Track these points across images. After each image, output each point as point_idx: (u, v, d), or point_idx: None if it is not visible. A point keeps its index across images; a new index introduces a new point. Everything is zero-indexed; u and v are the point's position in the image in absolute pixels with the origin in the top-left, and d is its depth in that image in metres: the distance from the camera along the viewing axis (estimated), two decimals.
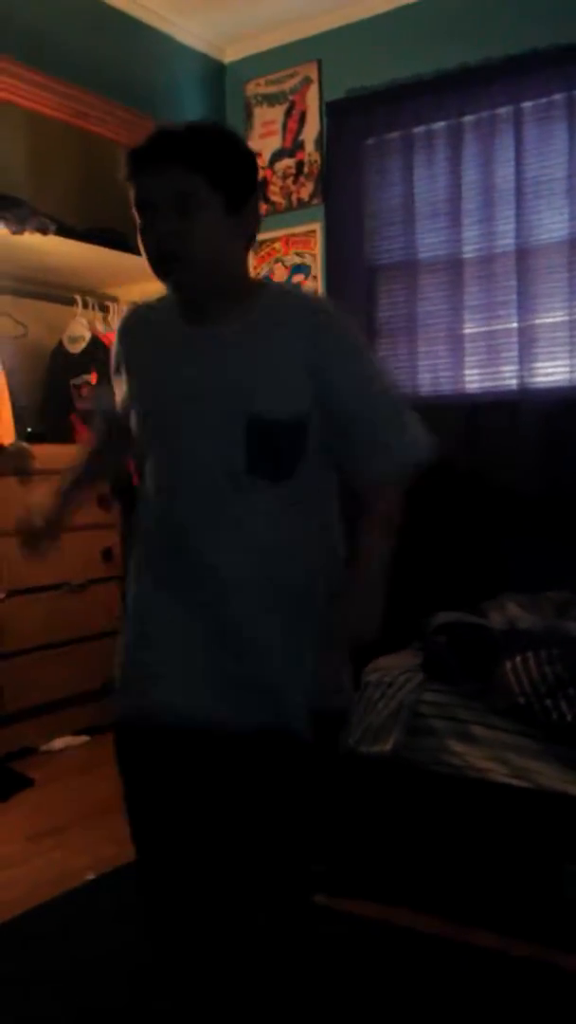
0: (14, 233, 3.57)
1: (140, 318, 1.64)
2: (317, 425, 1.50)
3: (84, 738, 3.86)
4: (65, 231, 3.86)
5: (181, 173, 1.40)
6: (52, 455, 3.80)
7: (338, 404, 1.50)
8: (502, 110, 3.33)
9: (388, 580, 1.55)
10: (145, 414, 1.58)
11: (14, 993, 2.08)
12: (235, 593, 1.52)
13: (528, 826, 2.23)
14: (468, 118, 3.39)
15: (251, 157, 1.52)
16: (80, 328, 4.18)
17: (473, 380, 3.44)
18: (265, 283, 1.63)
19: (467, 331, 3.44)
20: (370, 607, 1.54)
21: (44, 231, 3.68)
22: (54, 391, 4.24)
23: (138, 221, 1.48)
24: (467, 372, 3.44)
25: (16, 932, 2.34)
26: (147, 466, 1.61)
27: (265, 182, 3.94)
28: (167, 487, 1.56)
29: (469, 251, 3.41)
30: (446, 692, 2.44)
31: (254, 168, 1.52)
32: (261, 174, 3.95)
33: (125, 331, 1.65)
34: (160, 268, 1.46)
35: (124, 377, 1.62)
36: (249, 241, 1.52)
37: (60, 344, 4.24)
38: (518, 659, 2.38)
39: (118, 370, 1.65)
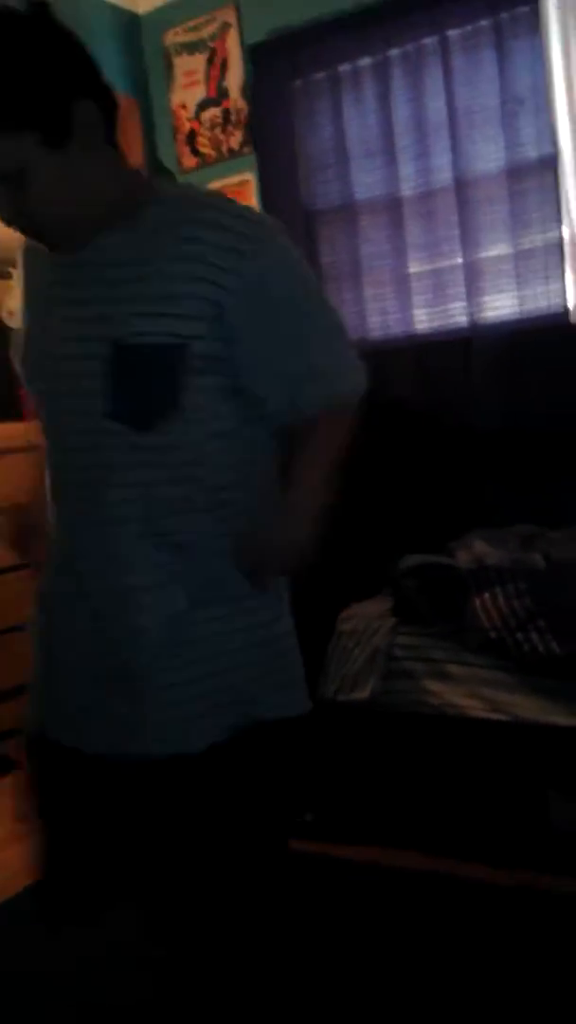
0: None
1: (27, 256, 1.43)
2: (217, 353, 1.25)
3: None
4: None
5: None
6: (3, 433, 3.73)
7: (262, 323, 1.26)
8: (428, 40, 3.24)
9: (320, 520, 1.36)
10: (25, 374, 1.42)
11: (13, 973, 2.07)
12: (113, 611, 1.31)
13: (510, 758, 2.25)
14: (394, 52, 3.31)
15: (58, 58, 1.19)
16: (18, 301, 4.09)
17: (422, 320, 3.40)
18: (159, 190, 1.31)
19: (412, 271, 3.39)
20: (293, 535, 1.34)
21: None
22: None
23: None
24: (416, 312, 3.40)
25: (11, 914, 2.34)
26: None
27: (193, 133, 3.85)
28: (49, 462, 1.38)
29: (407, 188, 3.35)
30: (419, 634, 2.45)
31: (67, 70, 1.19)
32: (187, 126, 3.85)
33: (20, 273, 1.47)
34: (17, 230, 1.29)
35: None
36: (107, 152, 1.26)
37: None
38: (487, 595, 2.39)
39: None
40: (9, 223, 1.26)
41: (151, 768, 1.31)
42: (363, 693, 2.42)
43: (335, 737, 2.49)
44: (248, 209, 1.33)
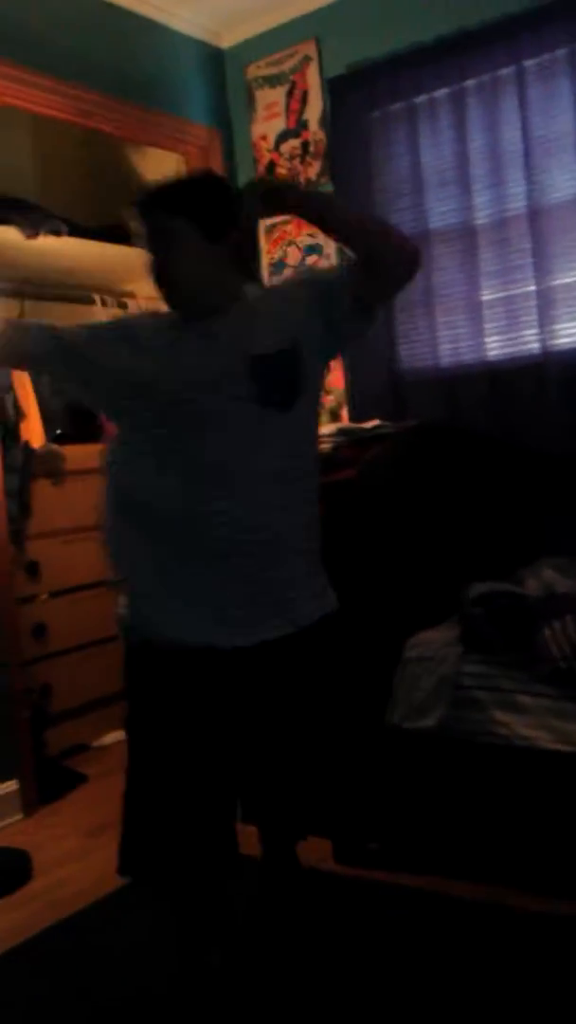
0: (28, 237, 3.60)
1: (128, 323, 2.04)
2: (314, 351, 1.81)
3: None
4: (78, 231, 3.88)
5: (164, 216, 1.82)
6: (82, 455, 3.84)
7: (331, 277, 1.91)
8: (504, 71, 3.27)
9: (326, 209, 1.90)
10: (154, 402, 1.81)
11: (74, 987, 2.12)
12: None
13: None
14: (470, 82, 3.34)
15: (230, 196, 1.87)
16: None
17: (494, 347, 3.40)
18: (253, 286, 1.96)
19: (485, 298, 3.39)
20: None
21: (57, 233, 3.71)
22: None
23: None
24: (488, 339, 3.40)
25: (76, 927, 2.39)
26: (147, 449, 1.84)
27: (272, 165, 3.93)
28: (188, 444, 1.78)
29: (481, 217, 3.36)
30: (487, 663, 2.43)
31: (233, 205, 1.84)
32: (267, 157, 3.94)
33: (113, 329, 2.03)
34: (159, 291, 1.86)
35: (94, 366, 1.90)
36: (240, 261, 1.87)
37: None
38: (557, 625, 2.37)
39: (87, 360, 1.90)
40: (154, 277, 1.87)
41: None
42: (430, 721, 2.42)
43: (400, 765, 2.49)
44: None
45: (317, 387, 1.90)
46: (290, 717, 1.86)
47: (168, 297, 1.87)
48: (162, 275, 1.84)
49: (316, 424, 1.95)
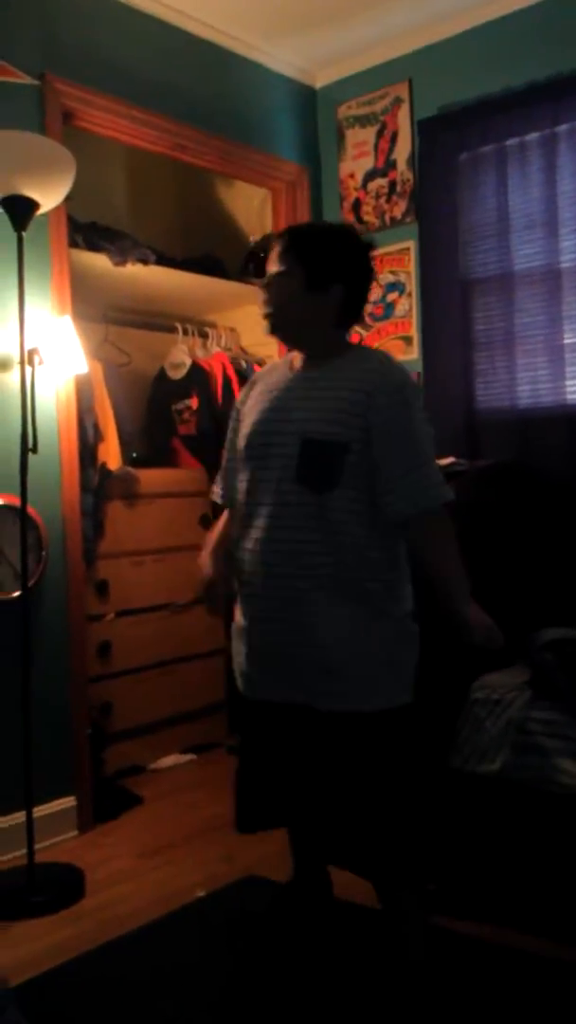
0: (117, 264, 3.69)
1: (266, 370, 2.19)
2: (357, 459, 1.91)
3: (191, 756, 3.92)
4: (165, 261, 3.97)
5: (285, 254, 2.00)
6: (156, 479, 3.90)
7: (380, 449, 1.91)
8: None
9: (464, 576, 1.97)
10: (245, 444, 2.07)
11: (127, 1008, 2.11)
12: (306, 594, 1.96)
13: None
14: (562, 127, 3.35)
15: (350, 253, 2.02)
16: (181, 355, 4.28)
17: (573, 390, 3.37)
18: (354, 347, 2.10)
19: (567, 341, 3.38)
20: (482, 619, 1.97)
21: (145, 261, 3.79)
22: (156, 417, 4.35)
23: None
24: (568, 383, 3.38)
25: (129, 947, 2.39)
26: (241, 487, 2.09)
27: (358, 203, 3.97)
28: (254, 501, 2.02)
29: (566, 260, 3.35)
30: (555, 709, 2.39)
31: (348, 261, 2.01)
32: (354, 195, 3.98)
33: (253, 381, 2.19)
34: (265, 318, 2.06)
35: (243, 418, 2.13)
36: (341, 317, 2.02)
37: (162, 371, 4.35)
38: None
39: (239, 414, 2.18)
40: (268, 311, 2.05)
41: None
42: (493, 765, 2.38)
43: (462, 808, 2.45)
44: (396, 368, 2.01)
45: (358, 483, 1.94)
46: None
47: (270, 330, 2.09)
48: (265, 308, 2.05)
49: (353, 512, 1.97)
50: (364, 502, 1.93)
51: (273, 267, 2.01)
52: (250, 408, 2.10)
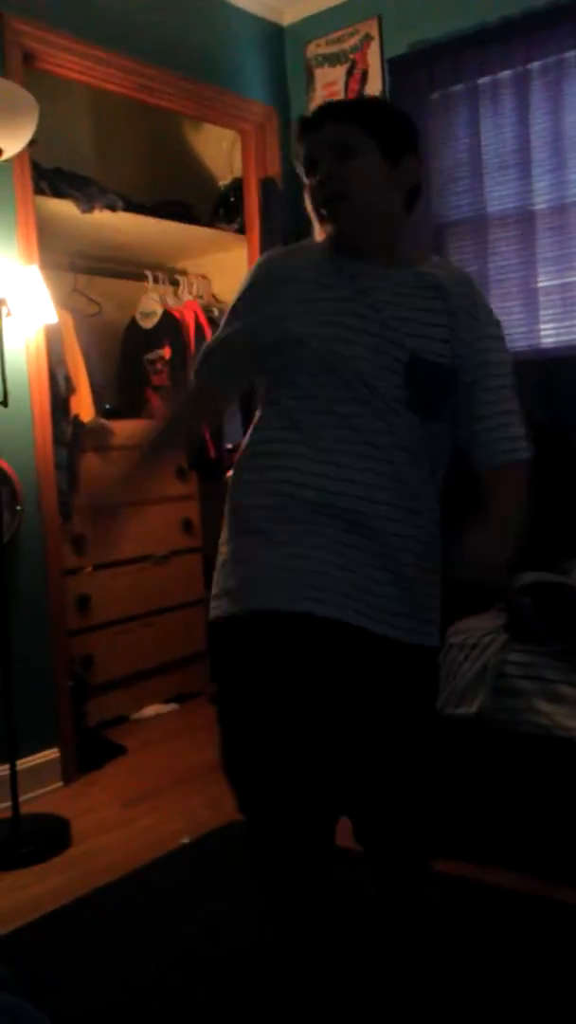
0: (84, 211, 3.61)
1: (281, 260, 1.72)
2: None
3: (173, 706, 3.96)
4: (133, 207, 3.89)
5: (338, 126, 1.60)
6: (130, 430, 3.86)
7: (474, 387, 1.64)
8: (570, 54, 3.21)
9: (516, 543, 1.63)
10: (297, 341, 1.60)
11: (113, 956, 2.15)
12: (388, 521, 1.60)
13: None
14: (535, 65, 3.29)
15: (408, 119, 1.70)
16: (152, 303, 4.22)
17: (549, 335, 3.36)
18: (423, 253, 1.74)
19: (541, 284, 3.36)
20: (497, 554, 1.59)
21: (113, 208, 3.72)
22: (129, 367, 4.30)
23: (304, 181, 1.64)
24: (543, 327, 3.37)
25: (115, 895, 2.42)
26: (280, 394, 1.63)
27: None
28: (324, 410, 1.58)
29: (540, 202, 3.32)
30: (531, 652, 2.42)
31: (411, 129, 1.68)
32: None
33: (267, 269, 1.71)
34: (327, 210, 1.61)
35: (259, 311, 1.67)
36: (410, 197, 1.67)
37: (133, 320, 4.29)
38: None
39: (250, 307, 1.69)
40: (323, 192, 1.60)
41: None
42: (471, 708, 2.42)
43: (440, 751, 2.49)
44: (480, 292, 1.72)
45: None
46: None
47: (337, 220, 1.61)
48: (334, 192, 1.59)
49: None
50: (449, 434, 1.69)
51: (324, 151, 1.60)
52: (294, 307, 1.62)
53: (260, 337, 1.66)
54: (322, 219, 1.63)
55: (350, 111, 1.64)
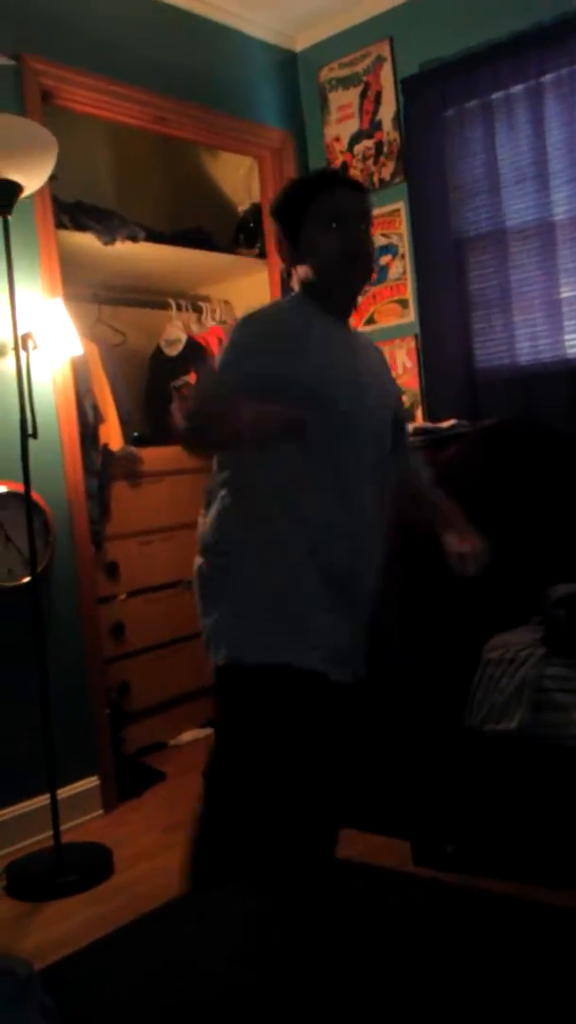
0: (105, 243, 3.66)
1: (286, 311, 1.86)
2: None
3: (210, 730, 3.94)
4: (154, 236, 3.93)
5: (365, 200, 1.85)
6: (159, 457, 3.89)
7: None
8: None
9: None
10: (329, 399, 1.72)
11: (160, 983, 2.14)
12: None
13: None
14: (548, 77, 3.30)
15: None
16: (176, 331, 4.26)
17: (573, 344, 3.35)
18: None
19: (564, 295, 3.35)
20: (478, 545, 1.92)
21: (134, 238, 3.76)
22: (156, 395, 4.33)
23: (331, 225, 1.79)
24: (567, 337, 3.36)
25: (157, 923, 2.41)
26: (302, 455, 1.71)
27: (345, 166, 3.93)
28: (343, 470, 1.78)
29: (559, 213, 3.32)
30: (569, 665, 2.39)
31: None
32: (341, 159, 3.94)
33: (284, 317, 1.82)
34: (358, 264, 1.81)
35: (296, 355, 1.72)
36: None
37: (158, 348, 4.33)
38: None
39: (288, 349, 1.72)
40: (361, 249, 1.82)
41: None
42: (510, 724, 2.39)
43: (480, 768, 2.47)
44: None
45: None
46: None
47: (365, 276, 1.89)
48: (367, 252, 1.86)
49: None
50: None
51: (352, 207, 1.82)
52: (316, 356, 1.74)
53: (286, 388, 1.68)
54: (338, 270, 1.80)
55: (366, 193, 1.90)
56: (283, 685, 1.75)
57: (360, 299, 2.01)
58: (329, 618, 1.78)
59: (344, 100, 3.91)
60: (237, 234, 4.31)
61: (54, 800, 2.74)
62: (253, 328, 1.75)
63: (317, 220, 1.79)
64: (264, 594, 1.77)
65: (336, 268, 1.79)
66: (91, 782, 3.16)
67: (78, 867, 2.71)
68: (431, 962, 2.07)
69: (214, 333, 4.23)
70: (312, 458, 1.72)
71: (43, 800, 2.86)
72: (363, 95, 3.85)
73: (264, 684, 1.77)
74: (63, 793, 2.90)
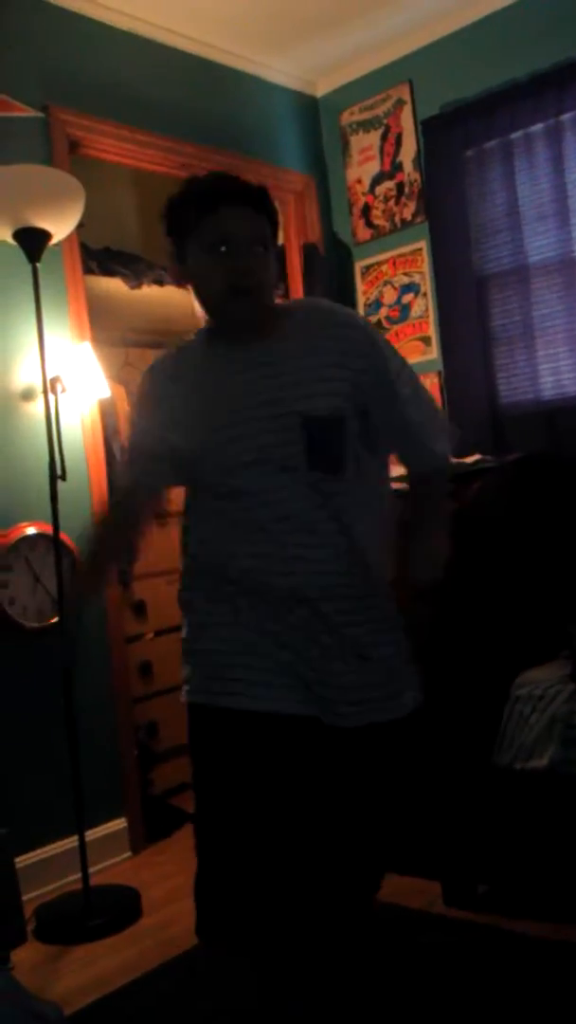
0: (132, 288, 3.73)
1: (173, 359, 1.80)
2: (352, 417, 1.62)
3: None
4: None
5: (258, 216, 1.61)
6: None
7: (389, 406, 1.65)
8: None
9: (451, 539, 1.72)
10: (201, 439, 1.66)
11: None
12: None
13: None
14: (567, 116, 3.34)
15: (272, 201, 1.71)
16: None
17: None
18: (290, 303, 1.85)
19: None
20: (436, 554, 1.68)
21: (160, 282, 3.82)
22: None
23: (220, 250, 1.59)
24: None
25: (190, 965, 2.39)
26: (200, 489, 1.78)
27: (367, 208, 3.98)
28: (237, 496, 1.66)
29: None
30: None
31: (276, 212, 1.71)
32: (362, 200, 3.99)
33: (161, 371, 1.78)
34: (242, 293, 1.58)
35: (161, 411, 1.72)
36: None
37: None
38: None
39: (154, 407, 1.75)
40: (246, 277, 1.59)
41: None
42: (541, 762, 2.36)
43: (511, 806, 2.44)
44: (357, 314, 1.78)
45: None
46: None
47: (254, 304, 1.61)
48: (257, 280, 1.60)
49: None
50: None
51: (240, 231, 1.58)
52: (187, 406, 1.69)
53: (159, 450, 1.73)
54: (222, 305, 1.62)
55: (264, 205, 1.63)
56: (190, 719, 1.87)
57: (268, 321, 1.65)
58: (220, 631, 1.76)
59: (365, 143, 3.97)
60: None
61: (82, 842, 2.74)
62: (141, 382, 1.80)
63: (200, 245, 1.61)
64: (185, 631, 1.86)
65: (221, 303, 1.62)
66: (119, 824, 3.15)
67: (107, 910, 2.69)
68: (462, 1005, 2.04)
69: None
70: (198, 492, 1.81)
71: (71, 842, 2.85)
72: (384, 137, 3.91)
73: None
74: (91, 835, 2.89)
